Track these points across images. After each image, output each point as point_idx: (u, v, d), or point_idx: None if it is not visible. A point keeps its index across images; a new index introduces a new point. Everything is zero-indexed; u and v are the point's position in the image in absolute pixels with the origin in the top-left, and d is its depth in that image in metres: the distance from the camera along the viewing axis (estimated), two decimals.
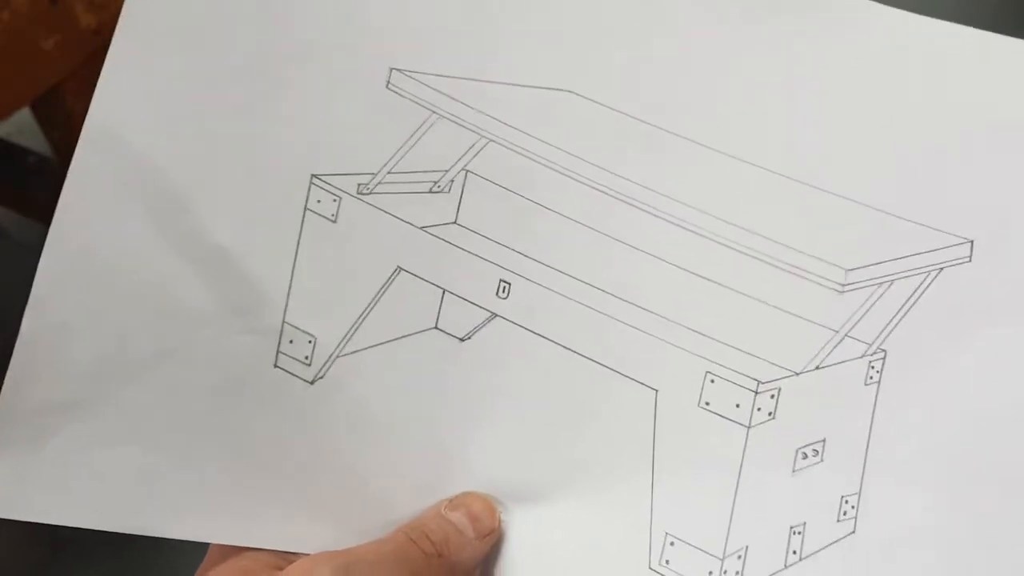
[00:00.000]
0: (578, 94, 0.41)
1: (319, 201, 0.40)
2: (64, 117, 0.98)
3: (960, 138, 0.40)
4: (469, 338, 0.40)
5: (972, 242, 0.40)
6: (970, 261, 0.40)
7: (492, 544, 0.37)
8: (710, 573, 0.37)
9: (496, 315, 0.40)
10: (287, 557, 0.36)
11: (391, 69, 0.40)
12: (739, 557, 0.37)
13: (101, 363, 0.39)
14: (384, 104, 0.40)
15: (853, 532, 0.38)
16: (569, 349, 0.39)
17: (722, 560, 0.37)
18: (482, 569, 0.38)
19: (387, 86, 0.40)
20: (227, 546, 0.37)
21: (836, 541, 0.38)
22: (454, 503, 0.38)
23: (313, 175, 0.40)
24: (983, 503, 0.38)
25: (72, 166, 0.39)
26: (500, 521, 0.38)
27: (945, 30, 0.41)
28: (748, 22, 0.41)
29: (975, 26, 0.41)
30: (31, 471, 0.38)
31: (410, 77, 0.40)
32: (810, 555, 0.38)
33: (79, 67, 0.90)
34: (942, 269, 0.40)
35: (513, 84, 0.41)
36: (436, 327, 0.40)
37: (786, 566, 0.38)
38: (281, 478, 0.38)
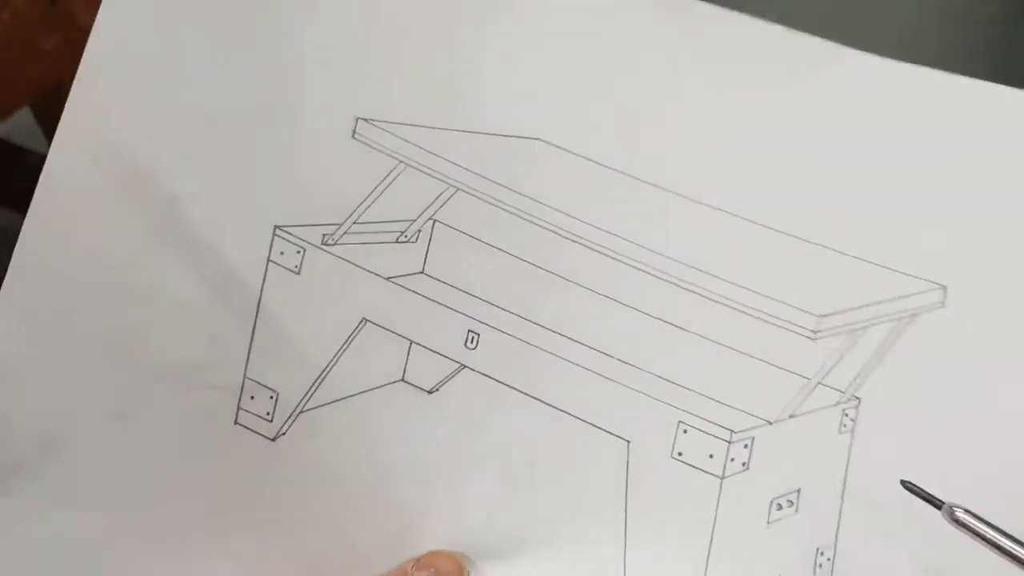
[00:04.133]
0: (547, 142, 0.40)
1: (282, 253, 0.39)
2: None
3: (932, 183, 0.40)
4: (437, 390, 0.39)
5: (945, 288, 0.39)
6: (943, 307, 0.39)
7: None
8: None
9: (464, 366, 0.39)
10: None
11: (357, 119, 0.40)
12: None
13: (54, 423, 0.38)
14: (350, 154, 0.40)
15: None
16: (539, 400, 0.38)
17: None
18: None
19: (353, 136, 0.40)
20: None
21: None
22: (421, 562, 0.37)
23: (276, 226, 0.39)
24: (960, 551, 0.37)
25: (28, 219, 0.38)
26: None
27: (916, 74, 0.41)
28: (718, 71, 0.41)
29: (951, 71, 0.41)
30: None
31: (376, 126, 0.40)
32: None
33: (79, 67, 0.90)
34: (915, 315, 0.39)
35: (481, 133, 0.40)
36: (403, 379, 0.39)
37: None
38: (242, 538, 0.37)
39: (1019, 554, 0.32)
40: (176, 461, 0.38)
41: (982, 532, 0.33)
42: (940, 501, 0.34)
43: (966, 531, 0.33)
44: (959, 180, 0.40)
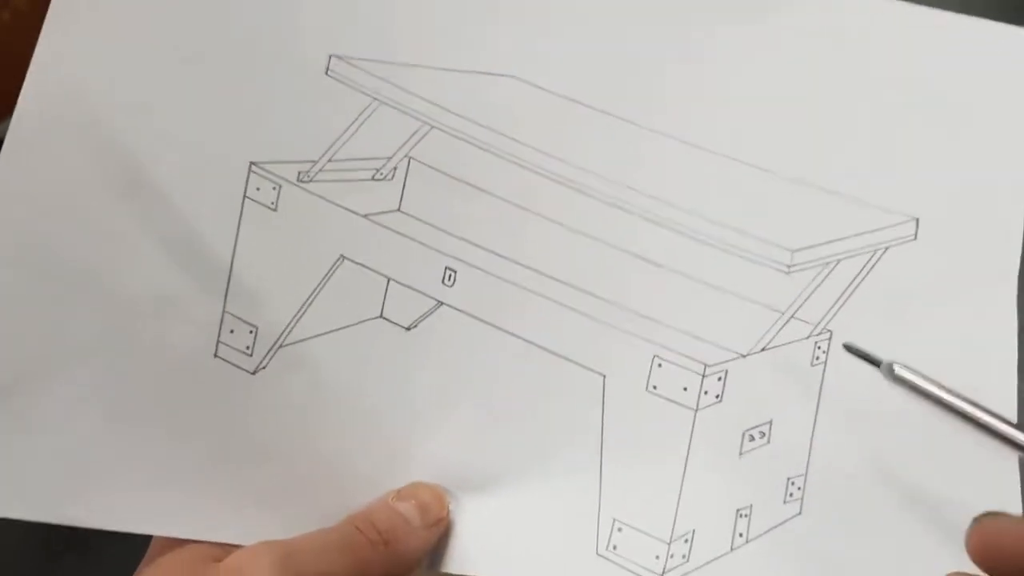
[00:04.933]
0: (521, 79, 0.40)
1: (258, 189, 0.39)
2: None
3: (905, 118, 0.40)
4: (415, 327, 0.39)
5: (917, 220, 0.40)
6: (915, 240, 0.40)
7: (440, 533, 0.37)
8: (657, 557, 0.37)
9: (442, 303, 0.39)
10: (228, 549, 0.35)
11: (330, 56, 0.40)
12: (686, 541, 0.37)
13: (38, 351, 0.38)
14: (324, 91, 0.40)
15: (799, 513, 0.38)
16: (516, 336, 0.39)
17: (669, 544, 0.37)
18: (430, 558, 0.37)
19: (327, 73, 0.40)
20: (168, 539, 0.37)
21: (782, 523, 0.38)
22: (402, 493, 0.37)
23: (252, 163, 0.39)
24: (928, 480, 0.38)
25: (5, 150, 0.38)
26: (448, 510, 0.38)
27: (891, 9, 0.41)
28: (694, 8, 0.41)
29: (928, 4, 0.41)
30: None
31: (350, 64, 0.40)
32: (756, 537, 0.38)
33: None
34: (887, 248, 0.40)
35: (455, 70, 0.40)
36: (381, 316, 0.40)
37: (732, 548, 0.38)
38: (222, 470, 0.38)
39: (956, 405, 0.33)
40: (158, 391, 0.38)
41: (921, 386, 0.33)
42: (879, 359, 0.35)
43: (906, 387, 0.33)
44: (932, 115, 0.40)
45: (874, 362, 0.35)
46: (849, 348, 0.36)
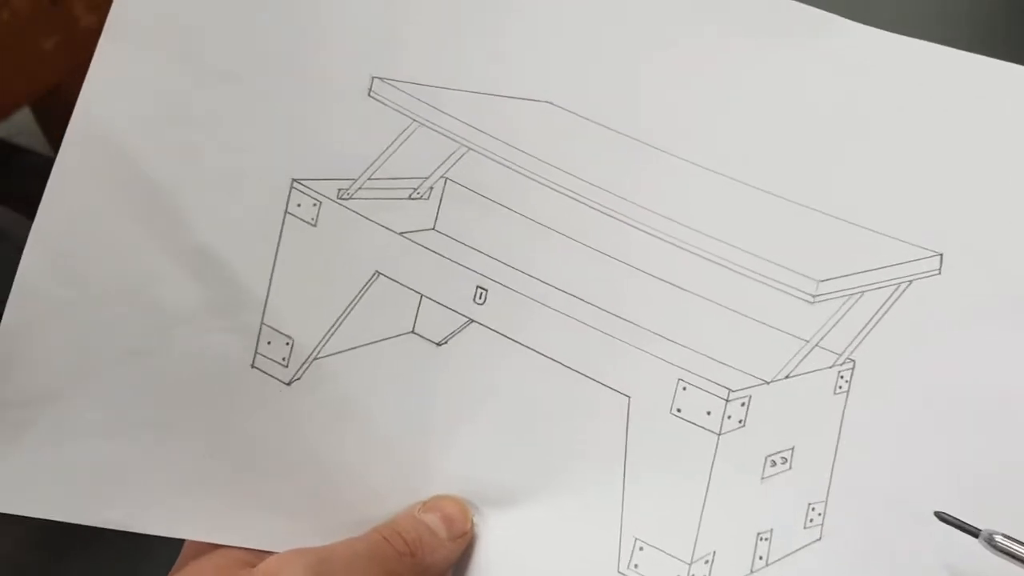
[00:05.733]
0: (557, 105, 0.41)
1: (299, 205, 0.40)
2: (64, 117, 0.98)
3: (930, 153, 0.41)
4: (445, 343, 0.40)
5: (941, 255, 0.40)
6: (939, 274, 0.40)
7: (464, 546, 0.38)
8: None
9: (473, 320, 0.40)
10: (260, 555, 0.36)
11: (373, 77, 0.41)
12: (706, 562, 0.38)
13: (79, 357, 0.39)
14: (366, 111, 0.41)
15: (819, 539, 0.38)
16: (543, 355, 0.40)
17: (690, 565, 0.38)
18: (454, 571, 0.38)
19: (369, 94, 0.41)
20: (201, 543, 0.38)
21: (802, 547, 0.38)
22: (428, 505, 0.38)
23: (294, 179, 0.40)
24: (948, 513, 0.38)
25: (57, 162, 0.39)
26: (473, 524, 0.38)
27: (917, 48, 0.41)
28: (725, 36, 0.42)
29: (952, 46, 0.42)
30: (5, 463, 0.39)
31: (392, 85, 0.41)
32: (776, 561, 0.38)
33: (79, 67, 0.90)
34: (912, 281, 0.40)
35: (493, 94, 0.41)
36: (413, 331, 0.41)
37: (752, 571, 0.38)
38: (255, 477, 0.39)
39: None
40: (195, 399, 0.39)
41: (1021, 555, 0.33)
42: (976, 529, 0.35)
43: (1006, 556, 0.34)
44: (956, 150, 0.41)
45: (971, 532, 0.35)
46: (942, 517, 0.37)
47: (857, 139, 0.41)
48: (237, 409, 0.39)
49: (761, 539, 0.38)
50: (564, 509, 0.39)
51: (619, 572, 0.38)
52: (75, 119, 0.40)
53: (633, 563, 0.38)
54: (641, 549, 0.38)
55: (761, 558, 0.38)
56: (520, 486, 0.39)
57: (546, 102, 0.41)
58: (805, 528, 0.38)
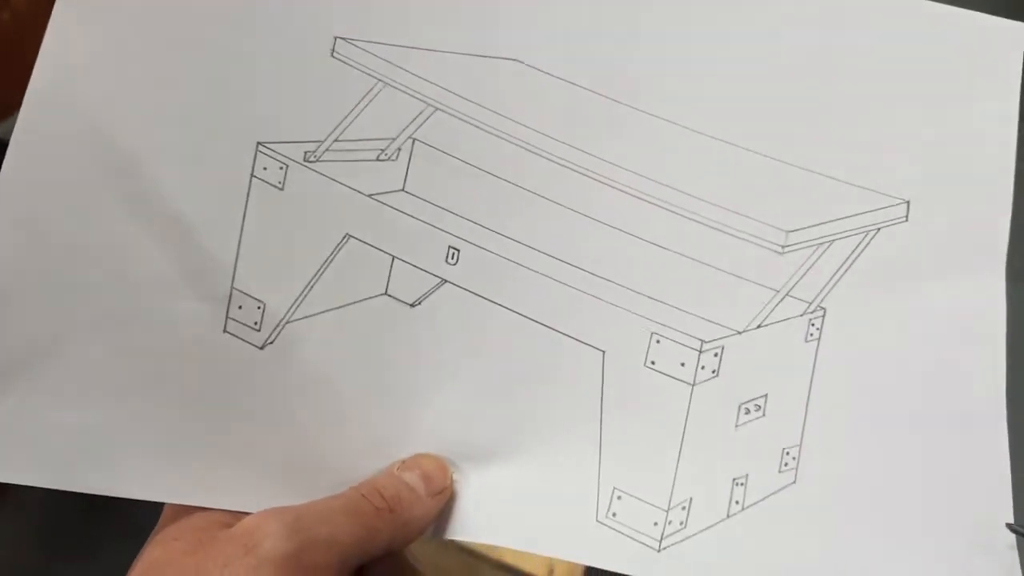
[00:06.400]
0: (523, 62, 0.41)
1: (265, 168, 0.40)
2: None
3: (896, 103, 0.41)
4: (419, 303, 0.40)
5: (908, 203, 0.41)
6: (906, 221, 0.41)
7: (444, 502, 0.38)
8: (655, 524, 0.38)
9: (446, 281, 0.40)
10: (238, 516, 0.36)
11: (336, 38, 0.41)
12: (683, 508, 0.38)
13: (51, 326, 0.39)
14: (330, 72, 0.41)
15: (794, 482, 0.39)
16: (517, 313, 0.40)
17: (667, 511, 0.38)
18: (434, 526, 0.38)
19: (332, 54, 0.41)
20: (180, 507, 0.38)
21: (777, 491, 0.39)
22: (407, 464, 0.38)
23: (259, 143, 0.40)
24: (917, 452, 0.39)
25: (16, 129, 0.39)
26: (452, 480, 0.38)
27: (882, 0, 0.42)
28: None
29: None
30: None
31: (355, 45, 0.41)
32: (752, 504, 0.39)
33: None
34: (879, 229, 0.41)
35: (459, 53, 0.41)
36: (386, 293, 0.41)
37: (729, 515, 0.39)
38: (231, 440, 0.39)
39: None
40: (169, 364, 0.39)
41: None
42: None
43: None
44: (921, 99, 0.41)
45: None
46: (1013, 528, 0.37)
47: (823, 90, 0.41)
48: (211, 374, 0.39)
49: (737, 484, 0.39)
50: (542, 463, 0.39)
51: (598, 521, 0.38)
52: (32, 87, 0.39)
53: (612, 512, 0.38)
54: (619, 498, 0.38)
55: (737, 502, 0.39)
56: (498, 443, 0.39)
57: (513, 59, 0.41)
58: (780, 472, 0.39)
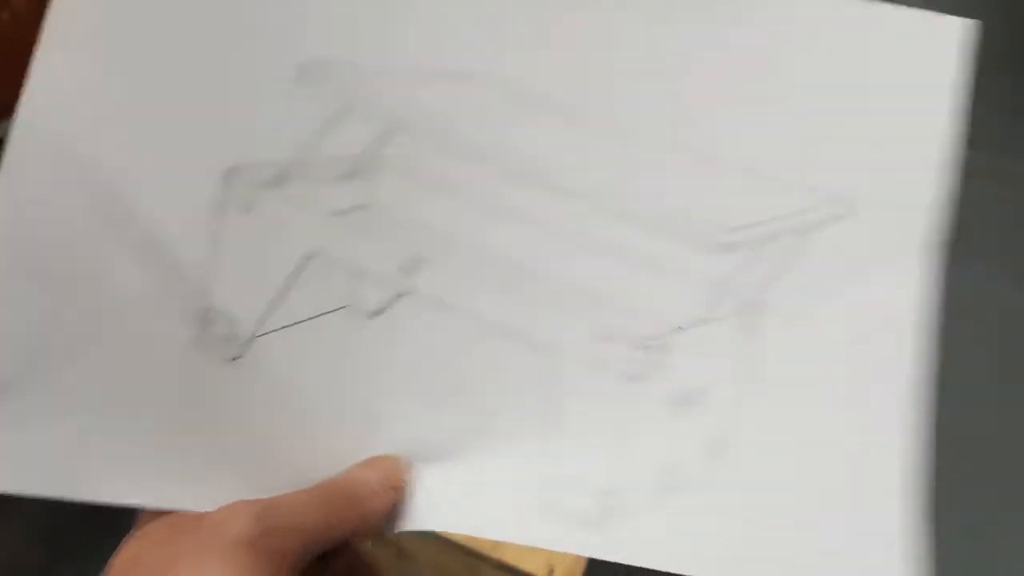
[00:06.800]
0: (487, 79, 0.43)
1: (234, 191, 0.43)
2: None
3: (835, 101, 0.43)
4: (379, 315, 0.43)
5: (848, 199, 0.42)
6: (846, 219, 0.42)
7: (399, 496, 0.41)
8: (594, 509, 0.40)
9: (404, 293, 0.43)
10: None
11: (301, 60, 0.43)
12: (622, 493, 0.40)
13: (34, 344, 0.42)
14: (295, 95, 0.43)
15: (728, 471, 0.40)
16: (470, 320, 0.42)
17: (605, 496, 0.40)
18: (392, 518, 0.41)
19: (297, 77, 0.43)
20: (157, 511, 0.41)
21: (711, 479, 0.40)
22: (367, 463, 0.41)
23: (229, 168, 0.43)
24: (848, 449, 0.40)
25: (7, 154, 0.42)
26: (407, 477, 0.41)
27: None
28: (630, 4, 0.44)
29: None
30: None
31: (321, 67, 0.43)
32: (686, 491, 0.40)
33: None
34: (818, 227, 0.42)
35: (421, 71, 0.44)
36: (348, 306, 0.43)
37: (663, 503, 0.40)
38: (205, 449, 0.41)
39: None
40: (144, 380, 0.42)
41: None
42: None
43: None
44: (859, 97, 0.43)
45: None
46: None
47: (760, 88, 0.43)
48: (184, 387, 0.42)
49: (671, 472, 0.41)
50: (489, 457, 0.41)
51: (539, 508, 0.40)
52: (19, 119, 0.42)
53: (553, 498, 0.40)
54: (562, 485, 0.40)
55: (672, 489, 0.40)
56: (451, 442, 0.42)
57: (476, 76, 0.43)
58: (713, 460, 0.41)
